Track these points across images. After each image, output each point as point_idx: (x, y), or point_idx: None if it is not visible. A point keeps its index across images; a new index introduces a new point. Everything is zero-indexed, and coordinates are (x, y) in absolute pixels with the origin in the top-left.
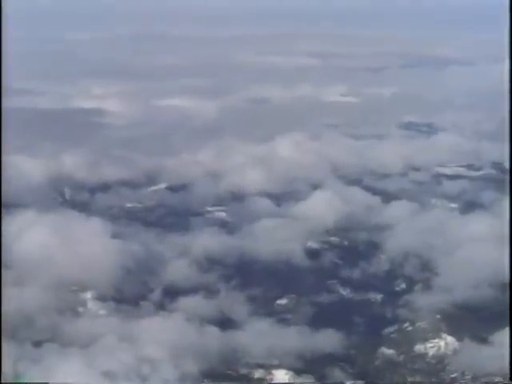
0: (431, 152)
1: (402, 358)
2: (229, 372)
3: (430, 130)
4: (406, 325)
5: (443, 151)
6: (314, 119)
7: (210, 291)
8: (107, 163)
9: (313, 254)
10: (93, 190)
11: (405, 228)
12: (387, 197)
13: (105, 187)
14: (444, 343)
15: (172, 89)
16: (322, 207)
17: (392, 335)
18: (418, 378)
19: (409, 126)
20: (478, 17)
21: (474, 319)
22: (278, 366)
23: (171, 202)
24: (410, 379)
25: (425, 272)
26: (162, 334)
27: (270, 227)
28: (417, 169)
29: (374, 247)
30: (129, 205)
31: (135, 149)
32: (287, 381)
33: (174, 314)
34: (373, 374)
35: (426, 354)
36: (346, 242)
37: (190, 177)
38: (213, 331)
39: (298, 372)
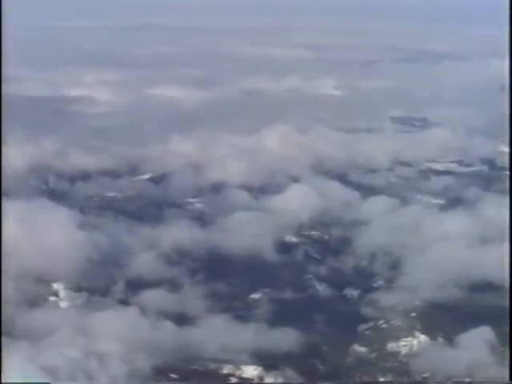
0: (422, 147)
1: (374, 355)
2: (195, 367)
3: (423, 124)
4: (381, 322)
5: (435, 146)
6: (305, 112)
7: (174, 285)
8: (90, 152)
9: (284, 248)
10: (74, 178)
11: (379, 224)
12: (368, 192)
13: (86, 176)
14: (417, 342)
15: (164, 78)
16: (298, 201)
17: (366, 332)
18: (388, 377)
19: (401, 121)
20: (475, 12)
21: (448, 319)
22: (247, 362)
23: (153, 192)
24: (380, 378)
25: (399, 270)
26: (119, 328)
27: (243, 220)
28: (406, 164)
29: (346, 243)
30: (109, 194)
31: (120, 138)
32: (256, 377)
33: (134, 307)
34: (343, 371)
35: (399, 352)
36: (318, 237)
37: (173, 167)
38: (169, 326)
39: (267, 368)
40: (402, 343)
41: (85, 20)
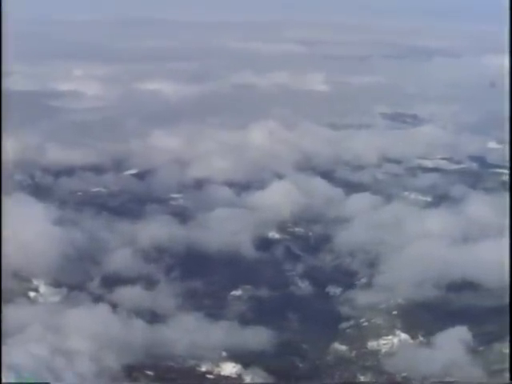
0: (412, 144)
1: (354, 354)
2: (171, 364)
3: (413, 121)
4: (362, 320)
5: (425, 143)
6: (293, 107)
7: (150, 282)
8: (76, 147)
9: (265, 244)
10: (59, 174)
11: (360, 222)
12: (353, 189)
13: (71, 171)
14: (397, 340)
15: (154, 73)
16: (281, 198)
17: (347, 330)
18: (368, 376)
19: (392, 117)
20: (468, 8)
21: (429, 317)
22: (226, 359)
23: (138, 187)
24: (360, 376)
25: (380, 268)
26: (92, 326)
27: (223, 217)
28: (395, 160)
29: (327, 241)
30: (94, 189)
31: (108, 133)
32: (235, 374)
33: (109, 305)
34: (323, 369)
35: (379, 350)
36: (301, 234)
37: (159, 163)
38: (141, 324)
39: (246, 366)
40: (382, 341)
41: (83, 14)
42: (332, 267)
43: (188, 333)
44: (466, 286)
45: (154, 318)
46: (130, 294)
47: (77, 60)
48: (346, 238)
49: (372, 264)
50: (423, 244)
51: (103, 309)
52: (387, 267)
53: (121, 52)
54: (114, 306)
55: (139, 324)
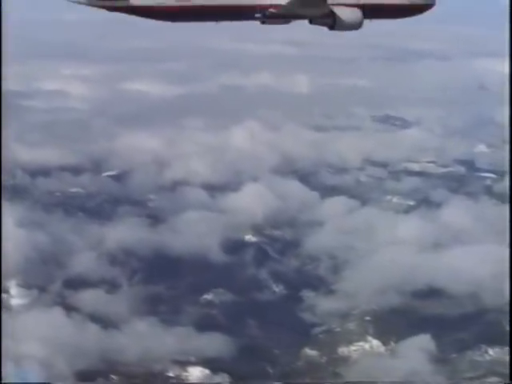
0: (399, 146)
1: (324, 359)
2: (139, 369)
3: (403, 123)
4: (335, 325)
5: (413, 146)
6: (279, 109)
7: (113, 285)
8: (56, 147)
9: (232, 247)
10: (39, 174)
11: (332, 226)
12: (332, 192)
13: (50, 172)
14: (369, 346)
15: (143, 73)
16: (253, 201)
17: (320, 335)
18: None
19: (380, 119)
20: (462, 11)
21: (402, 323)
22: (195, 364)
23: (115, 189)
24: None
25: (351, 274)
26: (50, 331)
27: (193, 219)
28: (380, 163)
29: (294, 245)
30: (72, 190)
31: (89, 133)
32: (203, 379)
33: (74, 308)
34: (293, 375)
35: (350, 356)
36: (267, 238)
37: (138, 164)
38: (94, 329)
39: (215, 370)
40: (353, 348)
41: (71, 13)
42: (307, 272)
43: (152, 338)
44: (437, 292)
45: (109, 322)
46: (95, 298)
47: (63, 60)
48: (313, 242)
49: (341, 269)
50: (393, 250)
51: (64, 312)
52: (360, 273)
53: (109, 52)
54: (77, 310)
55: (94, 328)
